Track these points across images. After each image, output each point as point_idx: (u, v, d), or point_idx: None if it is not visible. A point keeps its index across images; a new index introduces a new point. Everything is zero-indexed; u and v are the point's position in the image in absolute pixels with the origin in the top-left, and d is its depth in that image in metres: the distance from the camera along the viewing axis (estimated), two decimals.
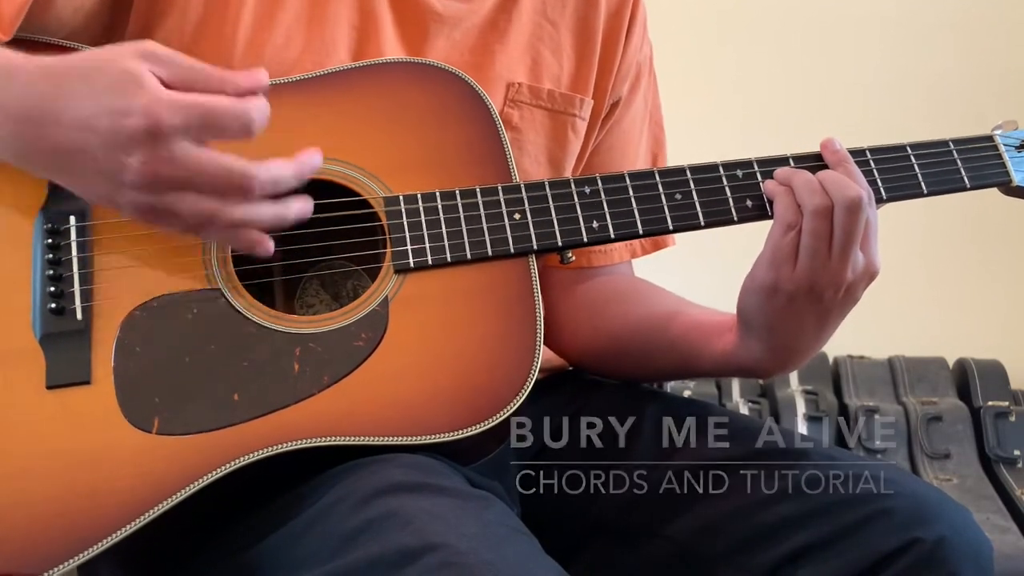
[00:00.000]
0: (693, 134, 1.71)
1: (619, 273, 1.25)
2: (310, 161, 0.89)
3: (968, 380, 2.30)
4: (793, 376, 2.29)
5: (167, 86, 0.83)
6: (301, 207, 0.89)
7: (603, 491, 1.09)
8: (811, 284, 0.97)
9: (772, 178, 1.02)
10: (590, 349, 1.21)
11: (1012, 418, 2.19)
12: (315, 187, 0.96)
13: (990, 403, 2.23)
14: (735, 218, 1.02)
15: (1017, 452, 2.15)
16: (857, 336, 2.34)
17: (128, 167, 0.82)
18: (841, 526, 0.96)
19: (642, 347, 1.16)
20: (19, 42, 0.96)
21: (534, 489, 1.12)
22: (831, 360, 2.37)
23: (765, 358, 1.03)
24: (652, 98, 1.27)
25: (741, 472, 1.04)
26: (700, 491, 1.04)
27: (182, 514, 0.85)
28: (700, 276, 1.78)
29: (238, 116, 0.84)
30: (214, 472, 0.85)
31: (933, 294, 2.50)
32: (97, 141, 0.82)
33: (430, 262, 0.95)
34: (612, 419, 1.15)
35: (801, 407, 2.19)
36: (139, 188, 0.83)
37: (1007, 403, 2.23)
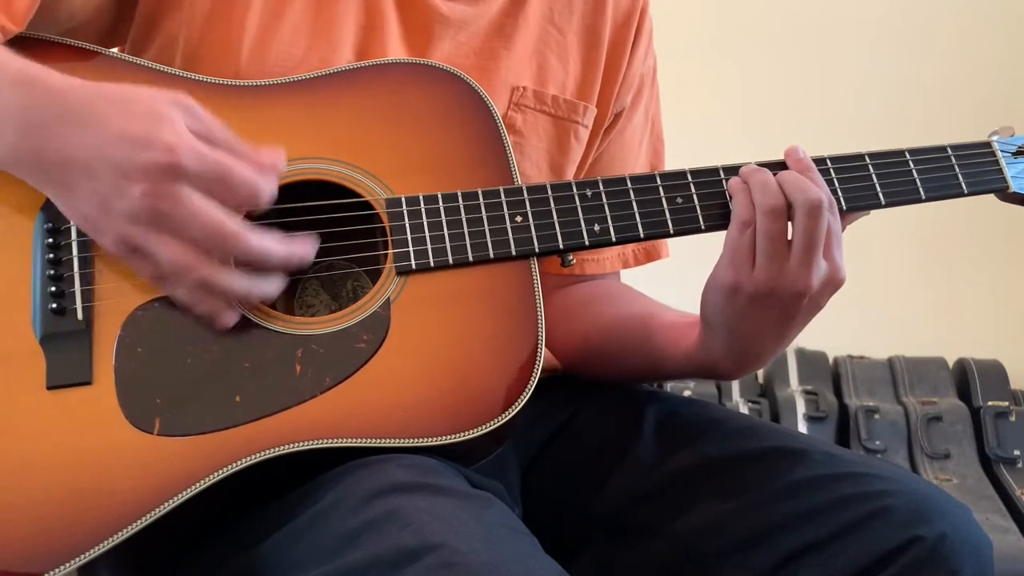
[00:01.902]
0: (695, 140, 1.71)
1: (604, 280, 1.26)
2: (303, 253, 0.90)
3: (968, 380, 2.30)
4: (793, 376, 2.29)
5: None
6: (270, 288, 0.89)
7: (604, 490, 1.09)
8: (771, 288, 0.97)
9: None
10: (569, 351, 1.21)
11: (1012, 418, 2.20)
12: (317, 187, 0.97)
13: (990, 403, 2.24)
14: None
15: (1017, 452, 2.15)
16: (857, 336, 2.35)
17: (127, 194, 0.83)
18: (841, 524, 0.96)
19: (612, 348, 1.17)
20: (29, 40, 0.96)
21: (535, 488, 1.12)
22: (831, 360, 2.37)
23: (725, 359, 1.03)
24: (654, 110, 1.28)
25: (741, 471, 1.04)
26: (701, 490, 1.04)
27: (183, 515, 0.85)
28: (693, 287, 1.78)
29: (250, 186, 0.86)
30: (215, 474, 0.85)
31: (933, 294, 2.51)
32: (109, 162, 0.83)
33: (432, 264, 0.95)
34: (612, 419, 1.15)
35: (801, 407, 2.20)
36: (129, 218, 0.84)
37: (1007, 403, 2.24)
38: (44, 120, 0.85)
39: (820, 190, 0.97)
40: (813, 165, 1.01)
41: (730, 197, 1.00)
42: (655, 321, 1.13)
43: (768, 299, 0.97)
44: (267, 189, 0.88)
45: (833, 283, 0.98)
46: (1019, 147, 1.10)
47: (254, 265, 0.88)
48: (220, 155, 0.86)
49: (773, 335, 1.01)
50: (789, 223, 0.98)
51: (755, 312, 0.98)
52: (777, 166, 1.02)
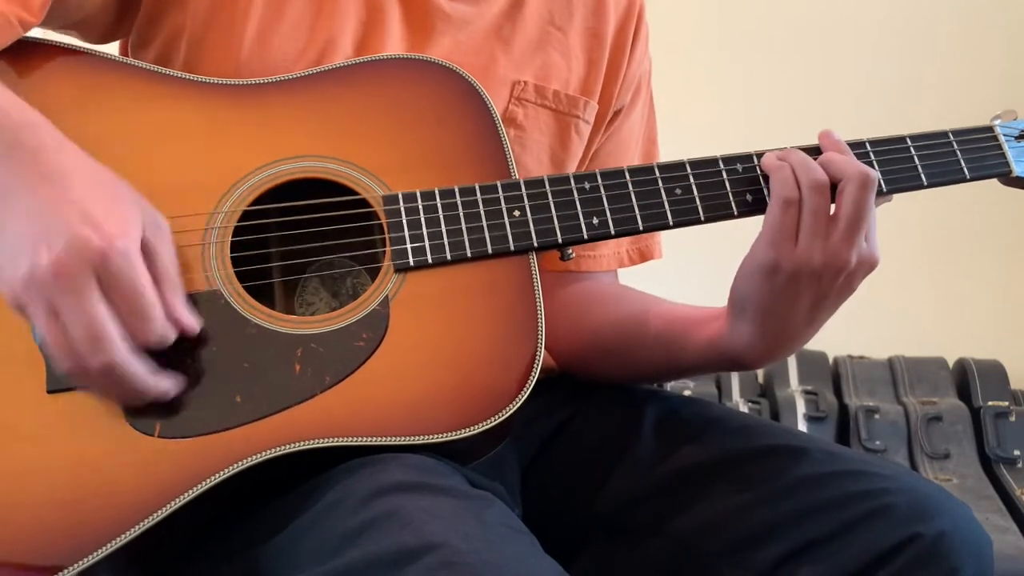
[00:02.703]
0: (697, 139, 1.71)
1: (601, 279, 1.25)
2: (164, 390, 0.87)
3: (968, 380, 2.30)
4: (793, 376, 2.29)
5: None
6: (127, 399, 0.86)
7: (604, 490, 1.10)
8: (812, 264, 0.97)
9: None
10: (573, 349, 1.20)
11: (1012, 418, 2.20)
12: (314, 185, 0.97)
13: (990, 403, 2.24)
14: (735, 212, 1.02)
15: (1017, 452, 2.15)
16: (857, 336, 2.35)
17: (36, 258, 0.81)
18: (841, 522, 0.96)
19: (625, 344, 1.16)
20: (31, 44, 0.97)
21: (535, 488, 1.12)
22: (831, 360, 2.37)
23: (755, 344, 1.02)
24: (648, 113, 1.28)
25: (741, 470, 1.04)
26: (701, 489, 1.04)
27: (184, 517, 0.85)
28: (689, 287, 1.78)
29: (144, 321, 0.84)
30: (217, 475, 0.85)
31: (933, 294, 2.51)
32: (43, 221, 0.82)
33: (430, 261, 0.95)
34: (611, 418, 1.15)
35: (801, 407, 2.20)
36: (26, 280, 0.81)
37: (1007, 403, 2.24)
38: (18, 167, 0.84)
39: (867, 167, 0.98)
40: (848, 148, 1.02)
41: (764, 178, 1.00)
42: (669, 313, 1.13)
43: (807, 277, 0.97)
44: (158, 334, 0.85)
45: (869, 263, 0.99)
46: (1021, 131, 1.10)
47: (118, 383, 0.84)
48: (146, 279, 0.84)
49: (805, 318, 1.00)
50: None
51: (792, 291, 0.98)
52: (807, 152, 1.02)
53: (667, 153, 1.30)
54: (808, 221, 0.96)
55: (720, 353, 1.06)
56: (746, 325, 1.02)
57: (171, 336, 0.86)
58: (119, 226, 0.83)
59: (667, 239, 1.26)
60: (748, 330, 1.02)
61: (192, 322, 0.88)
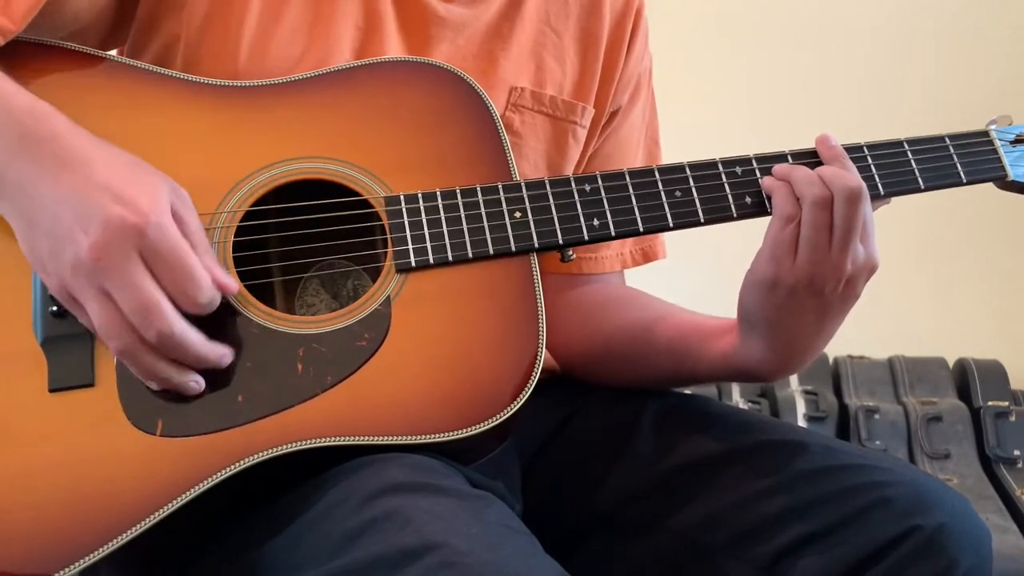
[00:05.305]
0: (699, 136, 1.71)
1: (611, 282, 1.25)
2: (220, 355, 0.88)
3: (968, 380, 2.30)
4: (793, 376, 2.29)
5: None
6: (181, 380, 0.87)
7: (604, 486, 1.10)
8: (811, 276, 0.97)
9: (770, 174, 1.02)
10: (583, 352, 1.21)
11: (1012, 418, 2.20)
12: (316, 186, 0.97)
13: (990, 403, 2.24)
14: (735, 215, 1.02)
15: (1017, 452, 2.15)
16: (857, 336, 2.34)
17: (77, 243, 0.83)
18: (841, 515, 0.96)
19: (638, 350, 1.16)
20: (32, 46, 0.97)
21: (536, 485, 1.12)
22: (831, 360, 2.37)
23: (767, 358, 1.03)
24: (649, 112, 1.28)
25: (741, 464, 1.04)
26: (700, 484, 1.05)
27: (186, 516, 0.85)
28: (691, 289, 1.78)
29: (196, 284, 0.85)
30: (218, 474, 0.85)
31: (933, 294, 2.51)
32: (75, 207, 0.83)
33: (432, 261, 0.95)
34: (611, 414, 1.15)
35: (801, 407, 2.20)
36: (72, 267, 0.83)
37: (1007, 403, 2.23)
38: (36, 156, 0.85)
39: (856, 178, 0.99)
40: (845, 153, 1.03)
41: (767, 196, 1.01)
42: (684, 322, 1.13)
43: (807, 289, 0.98)
44: (208, 296, 0.86)
45: (868, 267, 0.99)
46: (1017, 135, 1.10)
47: (173, 354, 0.86)
48: (187, 245, 0.85)
49: (812, 326, 1.01)
50: None
51: (795, 304, 0.99)
52: (804, 155, 1.04)
53: (668, 149, 1.30)
54: (808, 234, 0.97)
55: (733, 367, 1.06)
56: (756, 339, 1.02)
57: (217, 299, 0.87)
58: (149, 200, 0.84)
59: (670, 239, 1.26)
60: (759, 344, 1.02)
61: (232, 282, 0.89)
